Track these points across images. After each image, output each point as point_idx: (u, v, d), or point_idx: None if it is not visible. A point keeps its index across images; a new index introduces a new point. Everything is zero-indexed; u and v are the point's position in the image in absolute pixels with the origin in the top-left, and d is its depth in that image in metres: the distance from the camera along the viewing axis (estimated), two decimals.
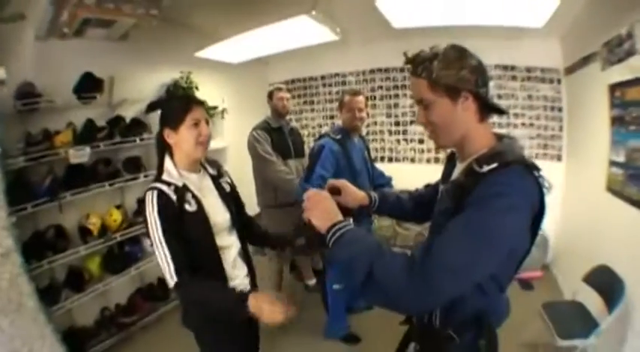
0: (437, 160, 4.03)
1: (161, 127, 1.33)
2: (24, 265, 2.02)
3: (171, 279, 1.19)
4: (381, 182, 2.73)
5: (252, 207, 3.13)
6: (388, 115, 4.32)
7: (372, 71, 4.33)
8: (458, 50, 0.91)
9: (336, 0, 2.63)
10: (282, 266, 3.15)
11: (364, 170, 2.51)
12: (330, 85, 4.62)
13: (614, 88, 2.32)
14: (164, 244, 1.20)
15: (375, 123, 4.38)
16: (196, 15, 3.05)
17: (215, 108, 3.87)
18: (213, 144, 1.43)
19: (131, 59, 3.02)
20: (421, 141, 4.17)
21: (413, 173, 3.93)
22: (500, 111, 0.98)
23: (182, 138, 1.30)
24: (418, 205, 1.30)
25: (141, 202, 1.30)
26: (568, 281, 3.03)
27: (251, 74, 4.43)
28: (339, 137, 2.41)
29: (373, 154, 3.26)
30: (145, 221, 1.23)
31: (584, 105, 3.00)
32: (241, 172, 2.82)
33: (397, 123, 4.29)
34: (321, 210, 0.97)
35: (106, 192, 2.72)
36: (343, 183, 1.25)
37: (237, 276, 1.45)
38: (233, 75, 4.15)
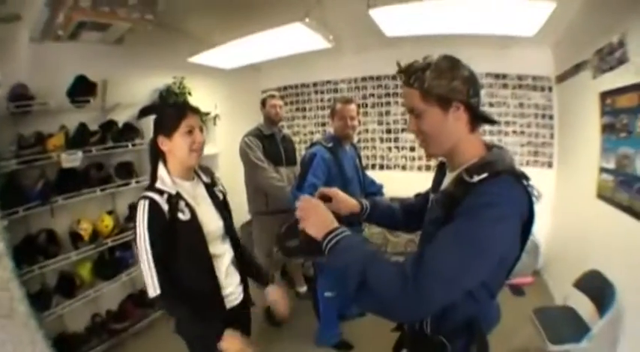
0: (428, 168, 4.03)
1: (155, 134, 1.33)
2: (15, 270, 2.00)
3: (154, 291, 1.20)
4: (372, 190, 2.73)
5: (242, 215, 3.14)
6: (380, 123, 4.32)
7: (364, 79, 4.33)
8: (450, 61, 0.92)
9: (330, 8, 2.64)
10: (273, 272, 3.13)
11: (355, 178, 2.51)
12: (323, 92, 4.60)
13: (605, 95, 2.35)
14: (150, 256, 1.21)
15: (367, 130, 4.37)
16: (191, 20, 3.04)
17: (207, 114, 3.84)
18: (205, 151, 1.43)
19: (125, 63, 3.00)
20: (412, 149, 4.17)
21: (404, 180, 3.93)
22: (492, 121, 1.00)
23: (176, 146, 1.30)
24: (409, 214, 1.30)
25: (133, 208, 1.31)
26: (559, 287, 3.04)
27: (243, 80, 4.40)
28: (330, 145, 2.41)
29: (364, 162, 3.26)
30: (135, 230, 1.24)
31: (575, 113, 3.04)
32: (232, 179, 2.82)
33: (389, 131, 4.29)
34: (315, 218, 0.97)
35: (97, 198, 2.69)
36: (334, 191, 1.25)
37: (230, 284, 1.45)
38: (226, 81, 4.12)
